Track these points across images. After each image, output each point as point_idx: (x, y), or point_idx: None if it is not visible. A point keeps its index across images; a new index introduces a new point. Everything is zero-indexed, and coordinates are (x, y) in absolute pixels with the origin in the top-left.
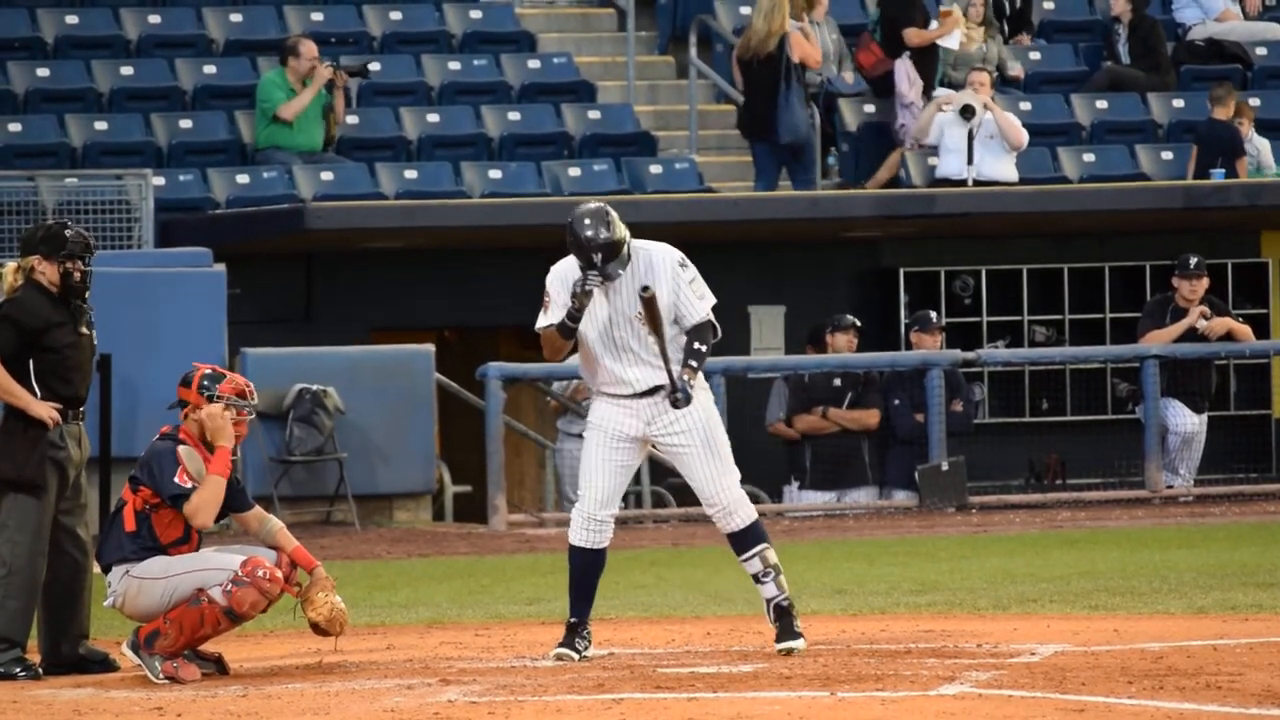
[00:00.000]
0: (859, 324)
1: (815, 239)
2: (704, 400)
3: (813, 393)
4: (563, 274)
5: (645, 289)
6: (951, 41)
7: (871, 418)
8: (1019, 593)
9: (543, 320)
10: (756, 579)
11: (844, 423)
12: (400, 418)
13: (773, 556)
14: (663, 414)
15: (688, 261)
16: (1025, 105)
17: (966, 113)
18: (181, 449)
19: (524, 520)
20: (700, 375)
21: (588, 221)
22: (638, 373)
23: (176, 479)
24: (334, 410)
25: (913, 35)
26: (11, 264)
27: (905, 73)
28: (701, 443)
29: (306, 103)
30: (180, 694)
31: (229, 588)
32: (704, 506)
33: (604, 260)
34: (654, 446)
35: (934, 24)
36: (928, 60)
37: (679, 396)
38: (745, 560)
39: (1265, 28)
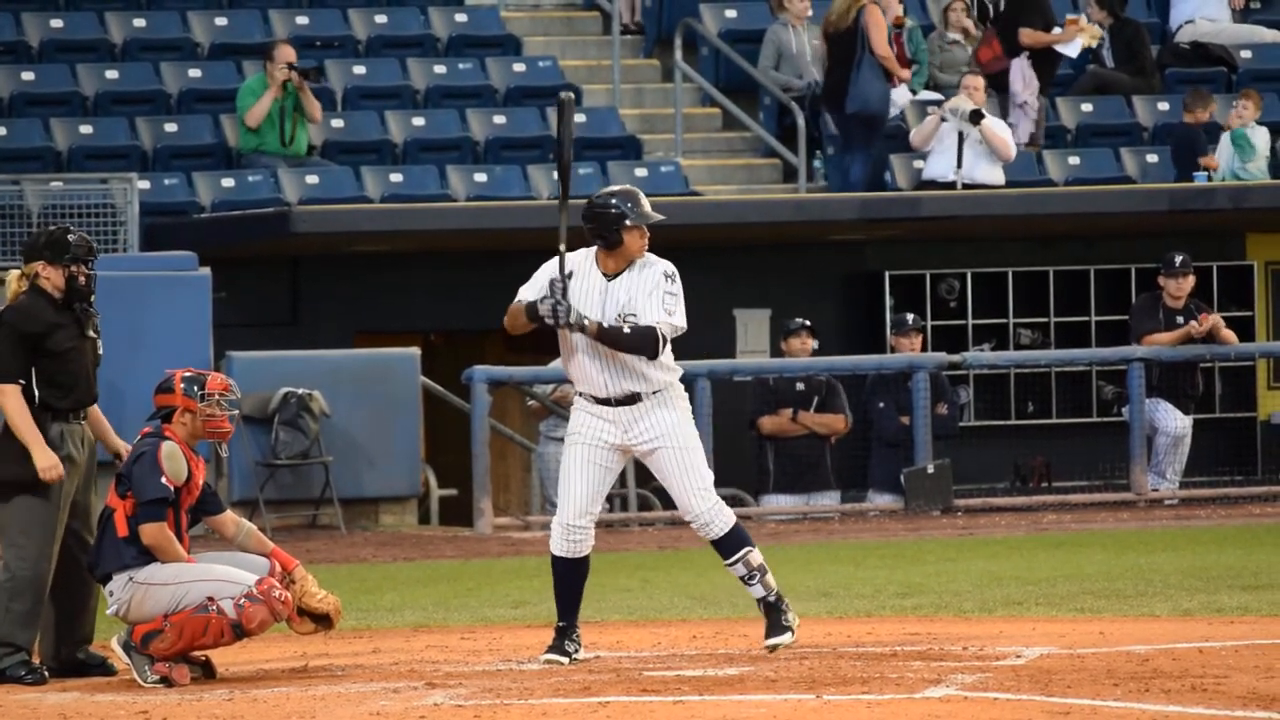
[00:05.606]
0: (809, 324)
1: (800, 242)
2: (681, 409)
3: (778, 395)
4: (562, 263)
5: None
6: (1071, 49)
7: (839, 422)
8: (1004, 595)
9: (521, 292)
10: (744, 581)
11: (813, 427)
12: (386, 421)
13: (756, 559)
14: (639, 420)
15: (676, 279)
16: None
17: (976, 118)
18: (164, 446)
19: (509, 523)
20: (679, 385)
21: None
22: (609, 376)
23: (163, 481)
24: (319, 414)
25: (1026, 36)
26: (15, 271)
27: (1020, 72)
28: (676, 451)
29: (266, 107)
30: (166, 698)
31: (241, 602)
32: (682, 515)
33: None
34: (635, 455)
35: (1057, 29)
36: (1046, 64)
37: (558, 305)
38: (730, 565)
39: (1250, 30)
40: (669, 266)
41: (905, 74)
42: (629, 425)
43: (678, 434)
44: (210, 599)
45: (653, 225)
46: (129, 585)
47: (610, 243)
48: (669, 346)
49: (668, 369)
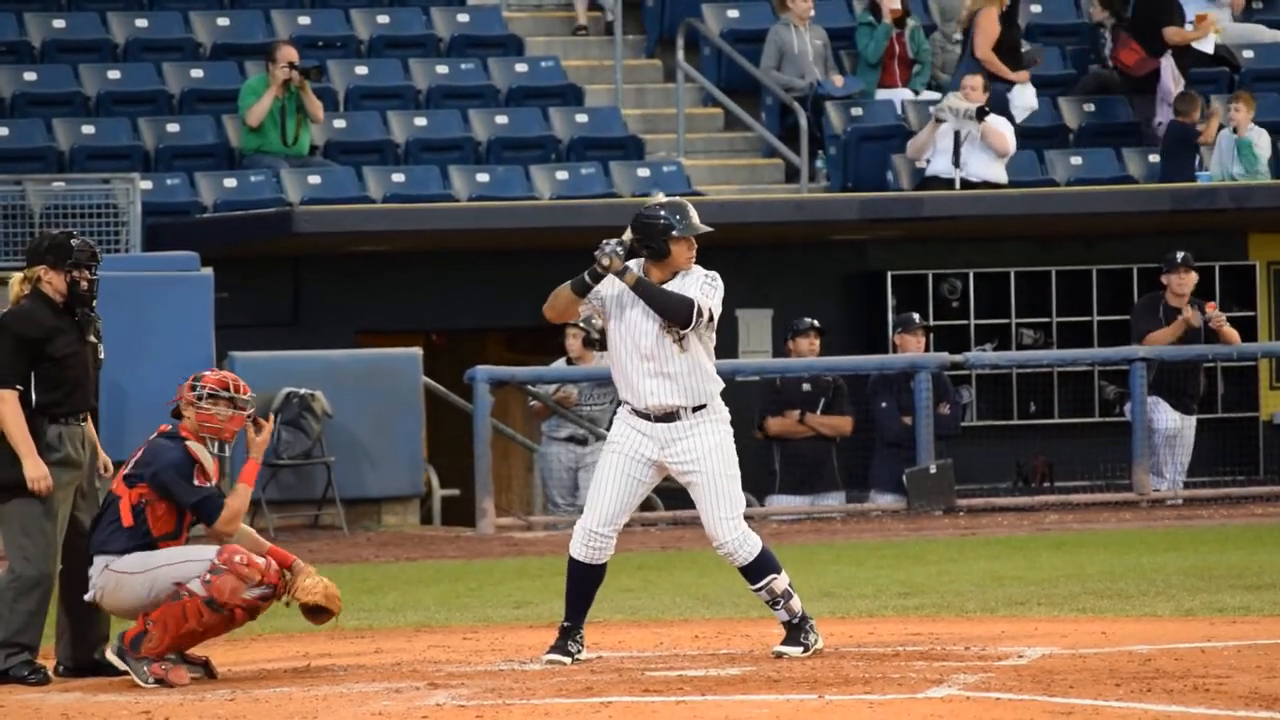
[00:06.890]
0: (818, 325)
1: (802, 242)
2: (721, 432)
3: (784, 396)
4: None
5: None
6: (1206, 45)
7: (846, 424)
8: (1007, 595)
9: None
10: (768, 605)
11: (820, 428)
12: (388, 421)
13: (781, 584)
14: (677, 440)
15: (718, 280)
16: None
17: (980, 114)
18: (191, 446)
19: (512, 524)
20: (720, 401)
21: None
22: (653, 385)
23: (197, 483)
24: (321, 414)
25: (1174, 34)
26: (17, 275)
27: (1170, 71)
28: (710, 477)
29: (267, 106)
30: (167, 698)
31: (207, 577)
32: (709, 540)
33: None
34: (670, 474)
35: (1189, 25)
36: (1183, 60)
37: (609, 242)
38: (756, 591)
39: (1252, 30)
40: (712, 272)
41: (1016, 76)
42: (667, 443)
43: (714, 460)
44: (178, 584)
45: (700, 236)
46: (105, 572)
47: (658, 253)
48: (712, 360)
49: (709, 377)
